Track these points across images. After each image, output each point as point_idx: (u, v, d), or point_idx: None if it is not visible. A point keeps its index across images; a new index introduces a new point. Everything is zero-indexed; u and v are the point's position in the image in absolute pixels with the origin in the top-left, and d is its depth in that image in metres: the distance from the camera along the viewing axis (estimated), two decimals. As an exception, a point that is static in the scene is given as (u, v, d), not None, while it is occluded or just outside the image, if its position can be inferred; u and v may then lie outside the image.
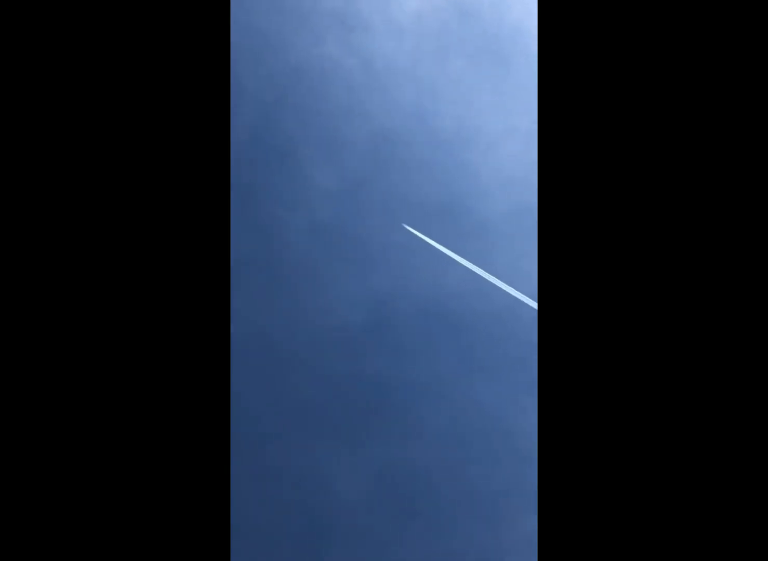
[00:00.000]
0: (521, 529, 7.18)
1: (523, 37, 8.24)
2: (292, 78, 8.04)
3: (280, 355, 7.32)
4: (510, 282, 7.52)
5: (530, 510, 7.22)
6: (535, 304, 7.42)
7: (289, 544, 7.01)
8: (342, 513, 7.12)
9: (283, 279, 7.48)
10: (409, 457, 7.40)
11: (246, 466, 7.12)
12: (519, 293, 7.58)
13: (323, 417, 7.34)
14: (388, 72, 8.19)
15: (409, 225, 8.12)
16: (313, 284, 7.60)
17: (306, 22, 8.17)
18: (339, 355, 7.51)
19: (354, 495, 7.16)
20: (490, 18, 8.44)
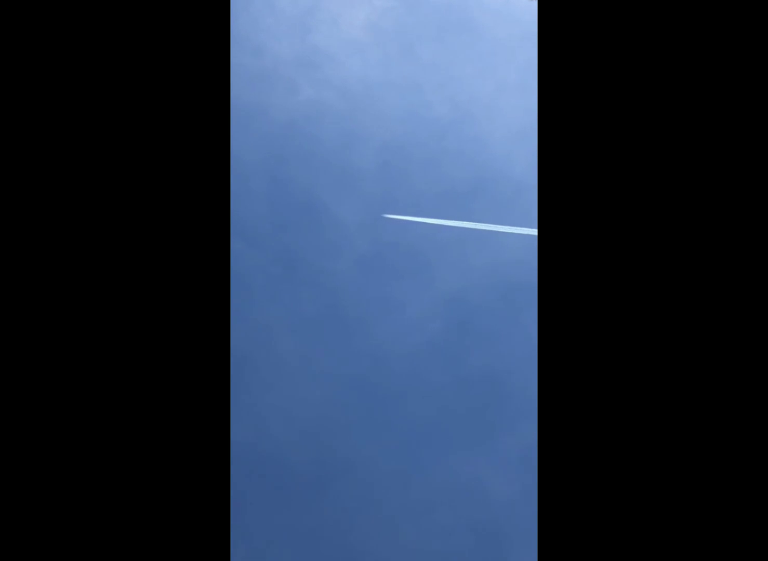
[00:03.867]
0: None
1: (475, -2, 8.12)
2: (284, 133, 8.20)
3: (382, 394, 7.39)
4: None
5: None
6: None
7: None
8: (506, 513, 7.09)
9: (355, 322, 7.58)
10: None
11: (402, 501, 7.20)
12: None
13: (447, 430, 7.35)
14: (367, 90, 8.24)
15: (452, 218, 8.07)
16: (383, 314, 7.65)
17: (275, 78, 8.34)
18: (436, 367, 7.53)
19: (509, 492, 7.12)
20: (438, -5, 8.36)
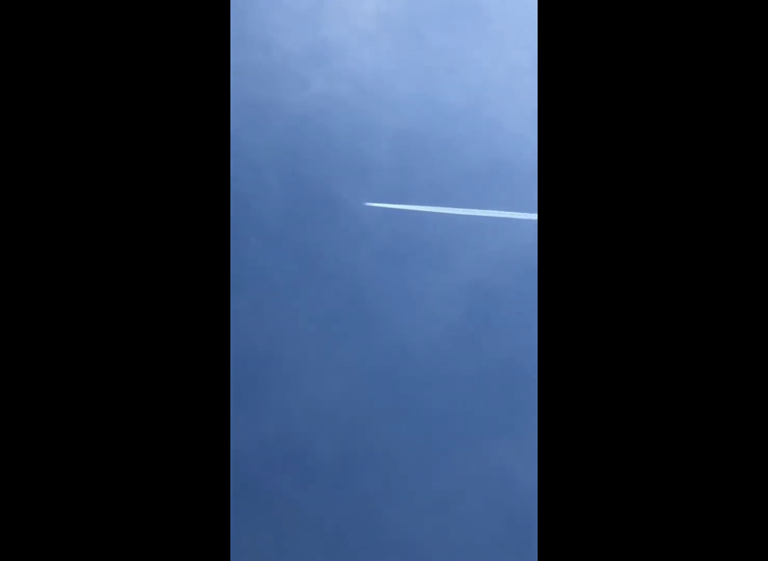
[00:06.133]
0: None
1: (483, -20, 7.95)
2: (297, 128, 8.14)
3: (405, 385, 7.33)
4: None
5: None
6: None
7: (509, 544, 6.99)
8: (535, 500, 7.02)
9: (375, 314, 7.52)
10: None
11: (430, 492, 7.17)
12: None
13: (472, 418, 7.28)
14: (379, 79, 8.14)
15: (476, 207, 7.96)
16: (403, 305, 7.58)
17: (285, 73, 8.27)
18: (458, 356, 7.45)
19: (536, 480, 7.05)
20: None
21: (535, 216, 7.62)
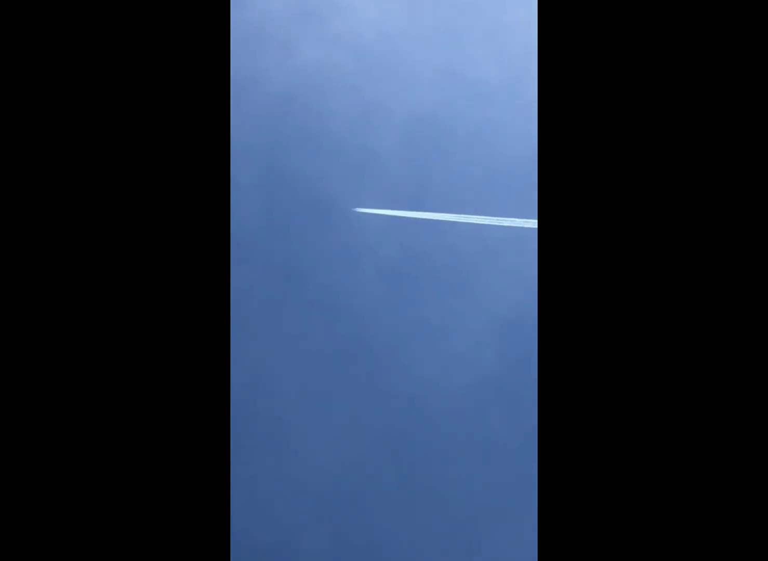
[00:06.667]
0: None
1: None
2: (280, 109, 7.09)
3: (419, 457, 5.99)
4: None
5: None
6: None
7: None
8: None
9: (381, 357, 6.20)
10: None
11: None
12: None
13: (511, 505, 5.88)
14: (388, 46, 6.95)
15: (510, 215, 6.77)
16: (418, 345, 6.35)
17: (266, 36, 7.17)
18: (492, 416, 6.15)
19: None
20: None
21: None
